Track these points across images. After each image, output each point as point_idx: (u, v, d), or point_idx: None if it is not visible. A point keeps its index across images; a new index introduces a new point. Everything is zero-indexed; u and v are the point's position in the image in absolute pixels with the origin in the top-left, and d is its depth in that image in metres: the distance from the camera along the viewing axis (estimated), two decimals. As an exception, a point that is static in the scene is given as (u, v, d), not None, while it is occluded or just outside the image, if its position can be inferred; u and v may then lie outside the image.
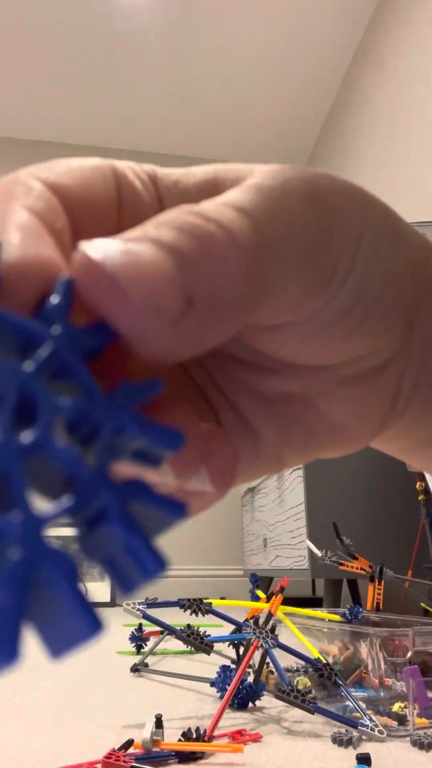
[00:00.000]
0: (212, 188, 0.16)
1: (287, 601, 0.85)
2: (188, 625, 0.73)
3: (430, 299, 0.17)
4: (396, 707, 0.67)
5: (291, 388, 0.17)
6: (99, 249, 0.12)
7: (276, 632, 0.75)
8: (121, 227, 0.16)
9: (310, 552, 1.57)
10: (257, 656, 0.76)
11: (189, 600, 0.77)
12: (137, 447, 0.12)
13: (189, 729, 0.57)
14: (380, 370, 0.17)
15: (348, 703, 0.68)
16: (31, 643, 0.11)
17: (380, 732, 0.61)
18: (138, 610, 0.80)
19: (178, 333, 0.12)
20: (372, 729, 0.61)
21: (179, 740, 0.56)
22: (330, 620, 0.86)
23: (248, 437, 0.17)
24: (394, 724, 0.64)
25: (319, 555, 1.17)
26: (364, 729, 0.61)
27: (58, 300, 0.12)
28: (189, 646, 0.74)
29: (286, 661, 0.85)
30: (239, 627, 0.80)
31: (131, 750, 0.54)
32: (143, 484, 0.11)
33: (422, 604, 1.23)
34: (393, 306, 0.16)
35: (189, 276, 0.12)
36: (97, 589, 2.78)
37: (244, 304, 0.13)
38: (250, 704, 0.74)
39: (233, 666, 0.77)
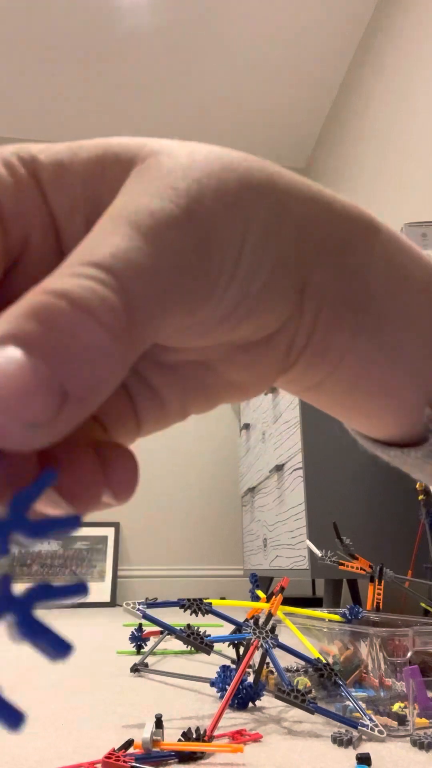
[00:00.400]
0: (99, 172, 0.16)
1: (287, 601, 0.85)
2: (188, 625, 0.73)
3: (320, 259, 0.17)
4: (396, 707, 0.67)
5: (189, 357, 0.18)
6: None
7: (276, 632, 0.75)
8: (7, 238, 0.16)
9: (310, 552, 1.57)
10: (257, 656, 0.76)
11: (189, 600, 0.77)
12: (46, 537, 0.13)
13: (189, 729, 0.57)
14: (273, 336, 0.18)
15: (348, 703, 0.68)
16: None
17: (380, 732, 0.61)
18: (138, 610, 0.80)
19: (57, 427, 0.12)
20: (372, 729, 0.61)
21: (179, 740, 0.56)
22: (330, 620, 0.86)
23: (153, 398, 0.19)
24: (394, 724, 0.64)
25: (319, 555, 1.17)
26: (364, 729, 0.61)
27: None
28: (189, 646, 0.74)
29: (286, 661, 0.85)
30: (239, 627, 0.80)
31: (131, 750, 0.54)
32: (44, 585, 0.12)
33: (422, 604, 1.23)
34: (280, 287, 0.17)
35: (59, 373, 0.12)
36: (97, 589, 2.78)
37: (120, 365, 0.13)
38: (250, 704, 0.74)
39: (233, 666, 0.77)
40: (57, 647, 0.12)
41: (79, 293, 0.12)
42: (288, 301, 0.17)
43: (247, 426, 2.65)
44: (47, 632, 0.12)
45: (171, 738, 0.57)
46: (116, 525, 2.98)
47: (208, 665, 1.03)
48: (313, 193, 0.17)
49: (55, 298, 0.12)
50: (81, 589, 0.12)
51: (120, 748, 0.53)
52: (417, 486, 1.48)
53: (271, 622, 0.76)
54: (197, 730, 0.56)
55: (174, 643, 1.20)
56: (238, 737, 0.60)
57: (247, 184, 0.16)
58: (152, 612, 0.80)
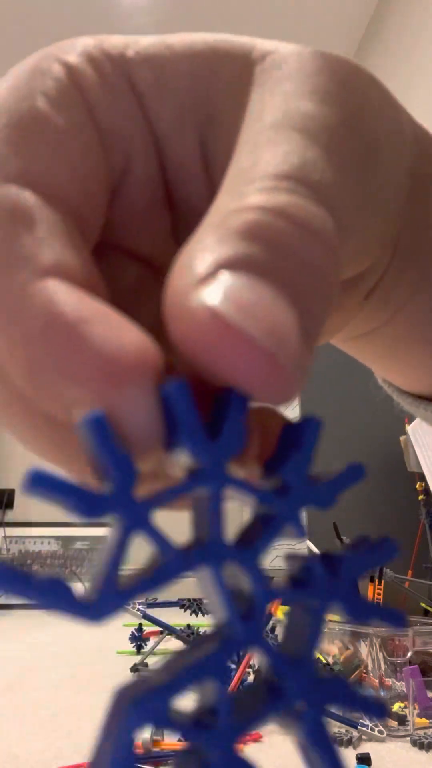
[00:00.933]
0: (208, 73, 0.13)
1: (287, 601, 0.85)
2: (188, 625, 0.73)
3: (415, 210, 0.15)
4: (396, 707, 0.67)
5: None
6: (222, 312, 0.09)
7: (276, 632, 0.75)
8: (110, 157, 0.13)
9: (310, 552, 1.56)
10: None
11: (189, 600, 0.77)
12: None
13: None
14: (362, 275, 0.16)
15: (348, 703, 0.68)
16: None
17: (380, 732, 0.61)
18: (138, 610, 0.80)
19: (302, 370, 0.10)
20: (372, 729, 0.61)
21: (179, 740, 0.56)
22: (330, 620, 0.86)
23: None
24: (394, 724, 0.64)
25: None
26: (364, 729, 0.61)
27: (198, 444, 0.10)
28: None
29: (286, 661, 0.85)
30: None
31: (131, 750, 0.54)
32: (357, 552, 0.10)
33: (422, 604, 1.23)
34: (401, 209, 0.15)
35: (299, 306, 0.10)
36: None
37: (336, 295, 0.11)
38: (250, 704, 0.74)
39: (233, 666, 0.77)
40: (392, 619, 0.10)
41: (296, 212, 0.10)
42: (394, 228, 0.15)
43: (247, 426, 2.65)
44: (376, 608, 0.10)
45: (171, 738, 0.57)
46: (116, 525, 2.98)
47: (208, 665, 1.03)
48: (411, 124, 0.15)
49: (271, 216, 0.10)
50: (391, 546, 0.11)
51: (120, 748, 0.53)
52: (417, 486, 1.48)
53: (271, 622, 0.76)
54: (197, 730, 0.56)
55: (174, 643, 1.20)
56: (238, 737, 0.60)
57: (378, 87, 0.14)
58: (152, 612, 0.81)
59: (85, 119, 0.12)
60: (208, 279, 0.10)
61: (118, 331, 0.10)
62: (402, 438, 1.41)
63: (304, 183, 0.11)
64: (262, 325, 0.09)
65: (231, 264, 0.10)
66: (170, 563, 0.10)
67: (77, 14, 2.61)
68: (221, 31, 0.14)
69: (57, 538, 2.88)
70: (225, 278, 0.10)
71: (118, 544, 0.09)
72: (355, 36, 2.68)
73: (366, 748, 0.58)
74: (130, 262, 0.15)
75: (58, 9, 2.58)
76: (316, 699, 0.10)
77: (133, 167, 0.13)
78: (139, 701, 0.09)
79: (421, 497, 1.48)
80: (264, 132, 0.12)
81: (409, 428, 1.18)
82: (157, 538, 0.10)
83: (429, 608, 1.22)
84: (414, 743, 0.59)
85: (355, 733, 0.60)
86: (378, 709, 0.10)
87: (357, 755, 0.53)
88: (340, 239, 0.11)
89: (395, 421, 1.28)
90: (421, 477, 1.45)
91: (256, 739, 0.60)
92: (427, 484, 1.43)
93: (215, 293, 0.09)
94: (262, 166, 0.11)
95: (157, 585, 0.10)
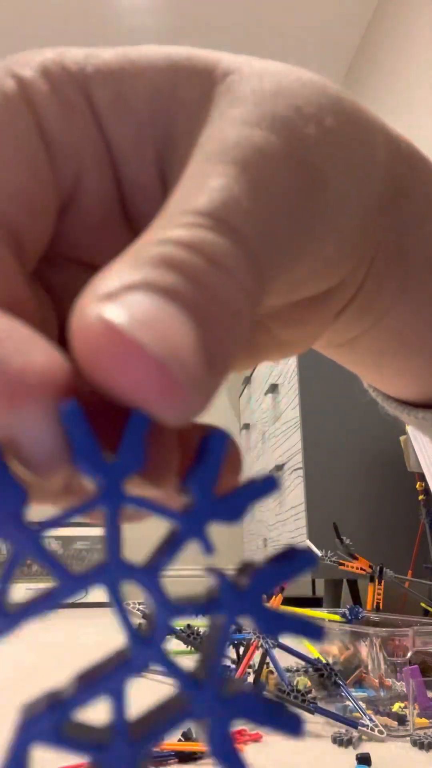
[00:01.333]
0: (169, 90, 0.13)
1: (287, 601, 0.85)
2: (188, 625, 0.73)
3: (383, 202, 0.16)
4: (396, 707, 0.67)
5: None
6: (122, 330, 0.09)
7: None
8: (58, 176, 0.13)
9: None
10: (257, 656, 0.77)
11: (189, 600, 0.77)
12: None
13: (189, 729, 0.57)
14: (333, 289, 0.16)
15: (348, 703, 0.68)
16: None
17: (380, 732, 0.61)
18: (138, 610, 0.80)
19: (203, 393, 0.10)
20: (372, 729, 0.61)
21: (179, 740, 0.56)
22: (330, 620, 0.86)
23: None
24: (394, 724, 0.64)
25: (319, 555, 1.17)
26: (364, 729, 0.61)
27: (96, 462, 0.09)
28: (189, 646, 0.74)
29: (286, 661, 0.85)
30: (239, 627, 0.80)
31: (131, 750, 0.54)
32: (268, 569, 0.10)
33: (422, 604, 1.23)
34: (365, 229, 0.15)
35: (207, 336, 0.10)
36: (97, 589, 2.78)
37: (247, 330, 0.12)
38: (250, 704, 0.74)
39: (233, 666, 0.77)
40: (307, 632, 0.10)
41: (208, 249, 0.11)
42: (363, 248, 0.15)
43: (247, 426, 2.65)
44: (291, 620, 0.10)
45: (171, 738, 0.57)
46: (116, 525, 2.99)
47: (208, 665, 1.03)
48: (389, 141, 0.15)
49: (184, 250, 0.11)
50: (308, 557, 0.10)
51: (120, 748, 0.53)
52: (417, 486, 1.48)
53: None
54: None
55: (174, 643, 1.20)
56: (238, 737, 0.60)
57: (342, 111, 0.14)
58: (152, 612, 0.80)
59: (32, 134, 0.12)
60: (111, 297, 0.10)
61: (25, 348, 0.10)
62: (402, 438, 1.41)
63: (222, 221, 0.11)
64: (155, 335, 0.09)
65: (136, 286, 0.10)
66: (64, 586, 0.10)
67: (77, 14, 2.61)
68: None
69: (57, 538, 2.88)
70: (127, 296, 0.10)
71: (7, 569, 0.10)
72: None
73: (366, 748, 0.58)
74: (91, 274, 0.15)
75: (58, 8, 2.58)
76: (221, 716, 0.10)
77: (85, 183, 0.13)
78: (34, 719, 0.09)
79: (421, 497, 1.48)
80: (201, 163, 0.12)
81: (409, 428, 1.18)
82: (49, 561, 0.10)
83: (429, 608, 1.22)
84: (414, 743, 0.59)
85: (355, 733, 0.60)
86: (292, 725, 0.10)
87: (357, 755, 0.53)
88: (261, 275, 0.11)
89: (395, 421, 1.28)
90: (421, 477, 1.45)
91: (256, 739, 0.60)
92: (427, 484, 1.43)
93: (113, 307, 0.10)
94: (188, 201, 0.11)
95: (48, 608, 0.10)
